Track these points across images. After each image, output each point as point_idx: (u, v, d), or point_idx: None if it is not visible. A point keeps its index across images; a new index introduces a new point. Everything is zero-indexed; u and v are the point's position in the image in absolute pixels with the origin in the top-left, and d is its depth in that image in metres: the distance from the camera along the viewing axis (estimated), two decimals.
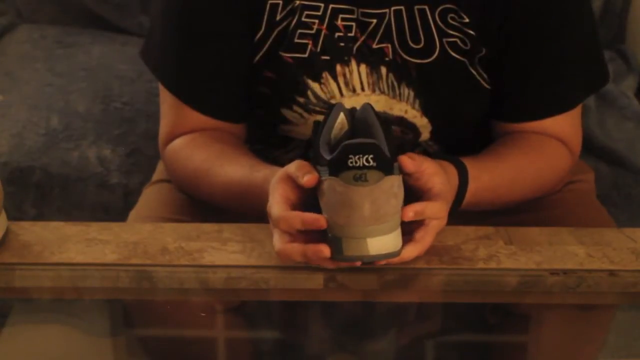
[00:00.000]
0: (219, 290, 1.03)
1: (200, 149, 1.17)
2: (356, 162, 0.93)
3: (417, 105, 1.19)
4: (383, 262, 0.98)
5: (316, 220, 0.96)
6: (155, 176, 1.31)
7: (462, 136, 1.23)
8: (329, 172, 0.96)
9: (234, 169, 1.12)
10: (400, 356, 1.32)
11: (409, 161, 0.98)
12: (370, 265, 0.99)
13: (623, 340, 1.28)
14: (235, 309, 1.19)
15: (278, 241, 0.98)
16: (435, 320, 1.29)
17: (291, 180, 1.00)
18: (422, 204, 0.98)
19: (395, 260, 0.98)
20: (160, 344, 1.24)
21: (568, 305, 1.12)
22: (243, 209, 1.11)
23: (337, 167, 0.94)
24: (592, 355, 1.24)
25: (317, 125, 1.04)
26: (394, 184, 0.95)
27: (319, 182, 0.97)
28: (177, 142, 1.19)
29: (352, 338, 1.31)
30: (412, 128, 1.20)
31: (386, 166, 0.94)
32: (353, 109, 1.04)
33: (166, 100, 1.21)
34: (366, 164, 0.93)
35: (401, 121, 1.19)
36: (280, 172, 1.02)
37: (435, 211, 0.99)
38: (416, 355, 1.33)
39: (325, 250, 0.95)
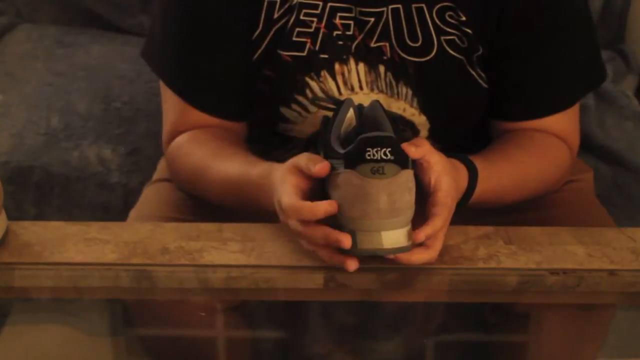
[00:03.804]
0: (219, 290, 1.03)
1: (200, 146, 1.17)
2: (374, 155, 0.93)
3: (415, 104, 1.19)
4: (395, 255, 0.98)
5: (326, 207, 0.95)
6: (156, 175, 1.31)
7: (460, 134, 1.23)
8: (344, 165, 0.96)
9: (231, 165, 1.12)
10: (400, 356, 1.32)
11: (413, 148, 0.98)
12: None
13: (623, 340, 1.28)
14: (235, 309, 1.19)
15: (298, 226, 0.97)
16: (435, 320, 1.29)
17: (300, 172, 1.00)
18: (430, 226, 0.98)
19: (404, 261, 0.98)
20: (160, 343, 1.24)
21: (568, 305, 1.12)
22: (239, 205, 1.11)
23: (354, 160, 0.94)
24: (592, 355, 1.24)
25: (327, 121, 1.04)
26: (409, 178, 0.96)
27: (332, 176, 0.97)
28: (179, 139, 1.20)
29: (352, 338, 1.31)
30: (411, 126, 1.20)
31: (403, 160, 0.95)
32: (360, 105, 1.04)
33: (168, 99, 1.21)
34: (384, 157, 0.93)
35: (400, 119, 1.19)
36: (288, 164, 1.01)
37: (440, 227, 0.99)
38: (416, 355, 1.33)
39: (345, 240, 0.94)
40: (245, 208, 1.09)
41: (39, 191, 1.58)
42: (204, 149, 1.16)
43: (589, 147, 1.61)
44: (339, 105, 1.04)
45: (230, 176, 1.11)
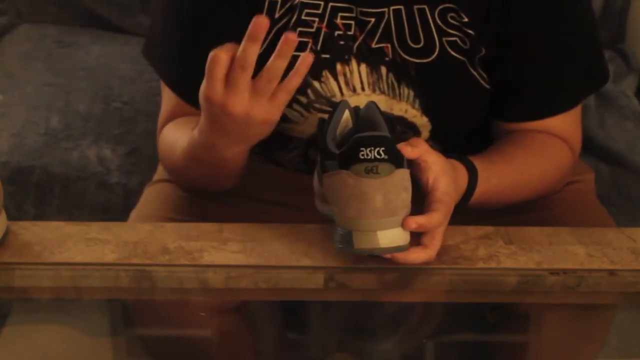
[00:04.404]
0: (219, 290, 1.03)
1: (178, 128, 1.18)
2: (368, 155, 0.94)
3: (417, 105, 1.19)
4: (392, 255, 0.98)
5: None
6: (157, 176, 1.31)
7: (462, 135, 1.23)
8: (339, 166, 0.96)
9: (190, 135, 1.12)
10: (400, 356, 1.32)
11: (409, 148, 0.98)
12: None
13: (623, 340, 1.28)
14: (235, 309, 1.19)
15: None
16: (435, 320, 1.29)
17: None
18: (425, 217, 0.98)
19: (401, 260, 0.98)
20: (161, 343, 1.24)
21: (568, 305, 1.12)
22: (201, 169, 1.11)
23: (348, 160, 0.94)
24: (592, 355, 1.24)
25: (323, 123, 1.04)
26: (404, 177, 0.96)
27: (327, 176, 0.98)
28: (167, 125, 1.20)
29: (352, 338, 1.31)
30: (412, 127, 1.20)
31: (397, 159, 0.95)
32: (357, 107, 1.04)
33: (166, 92, 1.23)
34: (378, 156, 0.94)
35: (401, 121, 1.19)
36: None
37: (435, 223, 0.99)
38: (416, 354, 1.33)
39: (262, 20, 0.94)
40: (206, 168, 1.09)
41: (39, 191, 1.58)
42: (180, 130, 1.17)
43: (589, 147, 1.61)
44: (335, 107, 1.04)
45: (185, 143, 1.11)
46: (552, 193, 1.22)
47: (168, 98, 1.22)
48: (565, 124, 1.20)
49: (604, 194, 1.46)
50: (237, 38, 1.17)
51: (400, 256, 0.98)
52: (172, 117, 1.21)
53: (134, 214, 1.22)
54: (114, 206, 1.57)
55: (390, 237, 0.95)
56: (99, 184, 1.58)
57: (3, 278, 1.01)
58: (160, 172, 1.31)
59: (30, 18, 1.95)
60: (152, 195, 1.26)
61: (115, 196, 1.58)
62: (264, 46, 1.17)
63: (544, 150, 1.19)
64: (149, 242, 1.04)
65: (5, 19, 1.93)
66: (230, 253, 1.02)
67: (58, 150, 1.60)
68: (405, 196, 0.96)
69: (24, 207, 1.57)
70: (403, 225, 0.96)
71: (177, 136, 1.17)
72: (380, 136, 0.95)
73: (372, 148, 0.94)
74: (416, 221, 0.96)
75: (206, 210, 1.17)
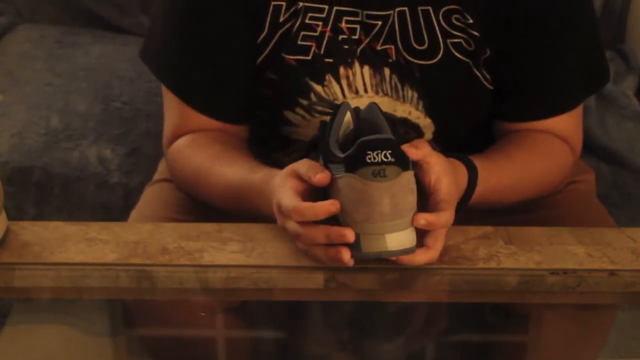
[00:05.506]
0: (219, 290, 1.03)
1: (202, 149, 1.17)
2: (374, 158, 0.93)
3: (420, 107, 1.19)
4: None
5: (328, 207, 0.95)
6: (157, 175, 1.31)
7: (464, 136, 1.23)
8: (345, 169, 0.95)
9: (232, 170, 1.12)
10: (400, 356, 1.32)
11: (413, 150, 0.98)
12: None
13: (623, 340, 1.28)
14: (235, 309, 1.19)
15: (297, 227, 0.97)
16: (436, 322, 1.29)
17: (299, 177, 0.99)
18: (435, 215, 0.98)
19: (407, 262, 0.98)
20: (161, 343, 1.24)
21: (568, 305, 1.12)
22: (240, 210, 1.10)
23: (355, 164, 0.94)
24: (592, 355, 1.24)
25: (324, 125, 1.04)
26: (410, 179, 0.96)
27: (333, 180, 0.97)
28: (180, 142, 1.19)
29: (352, 338, 1.31)
30: (416, 129, 1.20)
31: (403, 161, 0.95)
32: (357, 109, 1.04)
33: (169, 101, 1.21)
34: (385, 159, 0.93)
35: (405, 122, 1.19)
36: (287, 169, 1.01)
37: (444, 222, 0.99)
38: (416, 354, 1.33)
39: (349, 233, 0.94)
40: (245, 213, 1.09)
41: (39, 191, 1.58)
42: (205, 152, 1.16)
43: (589, 147, 1.61)
44: (336, 109, 1.04)
45: (230, 181, 1.11)
46: (552, 193, 1.22)
47: (173, 110, 1.21)
48: (567, 125, 1.21)
49: (604, 194, 1.46)
50: (240, 41, 1.17)
51: (406, 258, 0.98)
52: (179, 130, 1.20)
53: (134, 213, 1.22)
54: (114, 206, 1.57)
55: (399, 239, 0.95)
56: (99, 184, 1.58)
57: (3, 278, 1.01)
58: (160, 172, 1.31)
59: (30, 18, 1.95)
60: (152, 195, 1.26)
61: (115, 196, 1.58)
62: (268, 49, 1.17)
63: (545, 150, 1.19)
64: (149, 242, 1.04)
65: (5, 19, 1.93)
66: (230, 253, 1.02)
67: (58, 150, 1.60)
68: (412, 198, 0.96)
69: (24, 207, 1.57)
70: (412, 221, 0.96)
71: (202, 160, 1.15)
72: (386, 139, 0.95)
73: (379, 151, 0.93)
74: (425, 217, 0.96)
75: (206, 210, 1.17)
